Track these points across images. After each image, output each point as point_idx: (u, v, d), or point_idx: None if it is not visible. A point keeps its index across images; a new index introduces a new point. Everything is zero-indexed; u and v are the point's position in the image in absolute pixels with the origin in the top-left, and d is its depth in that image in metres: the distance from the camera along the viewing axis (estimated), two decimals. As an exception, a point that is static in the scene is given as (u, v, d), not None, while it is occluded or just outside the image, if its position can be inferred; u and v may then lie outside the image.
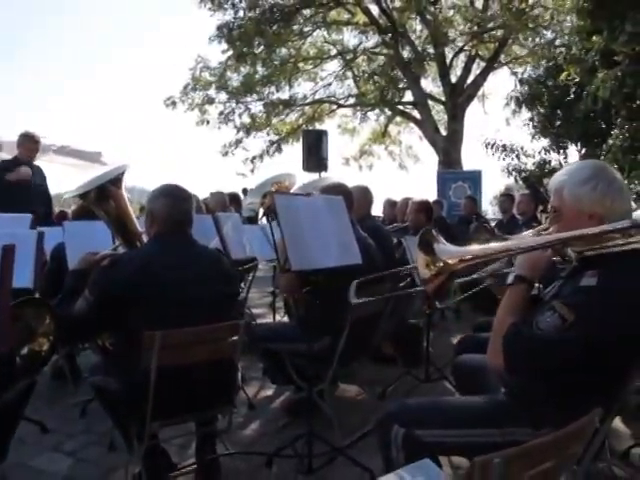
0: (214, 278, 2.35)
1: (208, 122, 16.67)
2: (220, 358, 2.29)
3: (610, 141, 7.20)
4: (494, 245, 1.71)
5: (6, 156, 6.10)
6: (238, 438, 3.11)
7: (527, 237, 1.95)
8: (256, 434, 3.24)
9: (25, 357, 2.41)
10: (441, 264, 1.60)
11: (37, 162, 6.12)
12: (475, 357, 2.40)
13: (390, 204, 6.68)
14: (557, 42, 11.99)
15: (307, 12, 15.27)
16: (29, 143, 5.66)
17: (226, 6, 14.65)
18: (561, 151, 10.40)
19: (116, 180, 2.52)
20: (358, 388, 4.02)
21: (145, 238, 2.57)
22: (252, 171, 16.77)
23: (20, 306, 2.24)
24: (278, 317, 5.45)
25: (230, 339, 2.28)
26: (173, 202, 2.33)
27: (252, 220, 9.89)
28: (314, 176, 9.31)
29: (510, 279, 1.79)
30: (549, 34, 13.63)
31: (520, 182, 10.86)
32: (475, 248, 1.70)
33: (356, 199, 3.48)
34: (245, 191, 12.53)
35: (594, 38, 6.44)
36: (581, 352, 1.55)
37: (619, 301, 1.53)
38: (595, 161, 1.82)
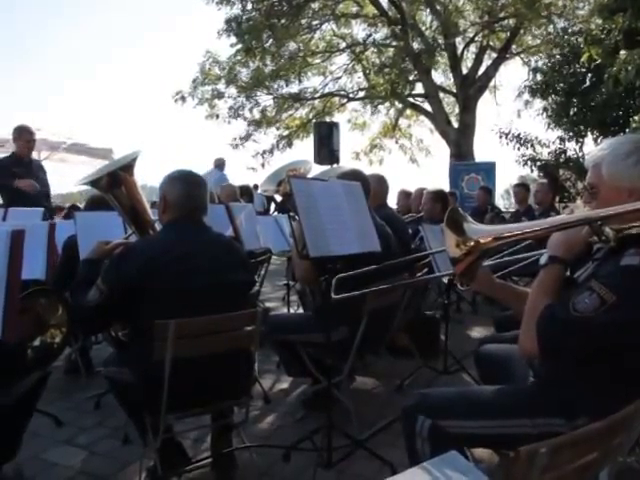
0: (230, 265, 2.28)
1: (218, 116, 16.64)
2: (236, 348, 2.22)
3: (633, 125, 7.02)
4: (528, 223, 1.62)
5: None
6: (254, 431, 3.05)
7: (561, 216, 1.86)
8: (272, 427, 3.18)
9: (37, 349, 2.36)
10: (472, 243, 1.52)
11: (48, 161, 6.11)
12: (499, 347, 2.32)
13: (405, 195, 6.59)
14: (570, 30, 11.78)
15: (315, 5, 15.14)
16: (25, 135, 5.61)
17: (234, 0, 14.57)
18: (578, 140, 10.23)
19: (128, 167, 2.46)
20: (374, 381, 3.96)
21: (158, 225, 2.50)
22: (262, 165, 16.73)
23: (32, 297, 2.19)
24: (292, 311, 5.39)
25: (247, 328, 2.21)
26: (187, 188, 2.26)
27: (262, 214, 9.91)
28: (326, 168, 9.25)
29: (543, 260, 1.70)
30: (562, 22, 13.43)
31: (536, 172, 10.70)
32: (508, 226, 1.62)
33: (372, 187, 3.40)
34: (256, 187, 12.53)
35: (618, 17, 6.26)
36: (622, 335, 1.46)
37: None
38: (637, 135, 1.73)
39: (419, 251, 4.02)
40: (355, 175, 3.13)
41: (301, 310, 4.85)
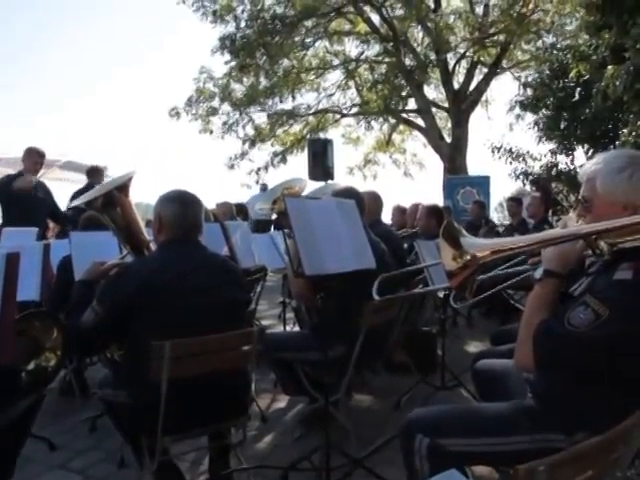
0: (226, 285, 2.27)
1: (212, 131, 16.74)
2: (233, 368, 2.21)
3: (622, 139, 7.11)
4: (524, 237, 1.63)
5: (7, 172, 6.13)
6: (252, 452, 3.02)
7: (557, 229, 1.87)
8: (270, 447, 3.15)
9: (32, 372, 2.33)
10: (468, 257, 1.53)
11: (42, 179, 6.14)
12: (496, 362, 2.31)
13: (399, 210, 6.61)
14: (559, 45, 11.96)
15: (308, 23, 15.33)
16: (35, 157, 5.69)
17: (227, 18, 14.75)
18: (568, 153, 10.33)
19: (123, 187, 2.46)
20: (372, 398, 3.93)
21: (153, 245, 2.50)
22: (257, 182, 16.78)
23: (27, 319, 2.17)
24: (288, 328, 5.36)
25: (243, 348, 2.20)
26: (182, 207, 2.27)
27: (261, 224, 9.83)
28: (320, 185, 9.28)
29: (538, 274, 1.71)
30: (550, 37, 13.64)
31: (528, 186, 10.78)
32: (503, 240, 1.62)
33: (367, 204, 3.41)
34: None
35: (604, 34, 6.39)
36: (617, 349, 1.46)
37: None
38: (630, 150, 1.75)
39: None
40: (349, 193, 3.14)
41: (297, 328, 4.83)
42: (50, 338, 2.26)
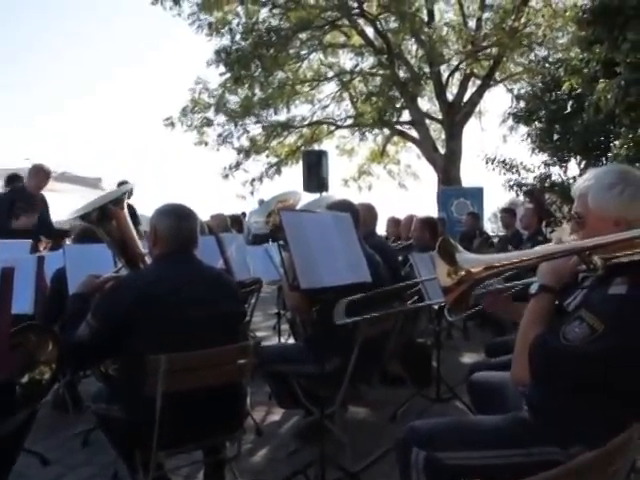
0: (221, 298, 2.27)
1: (207, 143, 16.79)
2: (228, 382, 2.20)
3: (614, 151, 7.21)
4: (518, 252, 1.65)
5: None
6: (247, 466, 3.00)
7: (551, 245, 1.88)
8: (265, 461, 3.13)
9: (26, 386, 2.31)
10: (463, 273, 1.54)
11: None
12: (492, 374, 2.32)
13: (394, 222, 6.64)
14: (551, 59, 12.12)
15: (303, 35, 15.45)
16: (42, 176, 5.71)
17: (223, 31, 14.84)
18: (561, 164, 10.41)
19: (118, 200, 2.46)
20: (367, 410, 3.92)
21: (148, 258, 2.50)
22: (252, 193, 16.82)
23: (22, 332, 2.16)
24: (283, 340, 5.35)
25: (239, 362, 2.20)
26: (177, 221, 2.27)
27: (259, 238, 9.79)
28: (315, 196, 9.29)
29: (533, 289, 1.72)
30: (543, 51, 13.81)
31: (522, 197, 10.86)
32: (499, 256, 1.64)
33: (361, 216, 3.43)
34: (244, 215, 12.52)
35: (595, 48, 6.51)
36: (612, 363, 1.47)
37: None
38: (621, 165, 1.77)
39: (409, 279, 4.04)
40: (344, 205, 3.16)
41: (292, 339, 4.83)
42: (45, 351, 2.25)
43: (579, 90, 7.73)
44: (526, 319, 1.69)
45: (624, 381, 1.51)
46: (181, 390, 2.05)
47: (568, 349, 1.50)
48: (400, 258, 4.82)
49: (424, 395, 3.86)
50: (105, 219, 2.43)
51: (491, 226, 16.27)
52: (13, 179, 6.71)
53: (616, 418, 1.50)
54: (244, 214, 12.39)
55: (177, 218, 2.28)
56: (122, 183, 7.41)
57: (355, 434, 3.31)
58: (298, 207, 3.54)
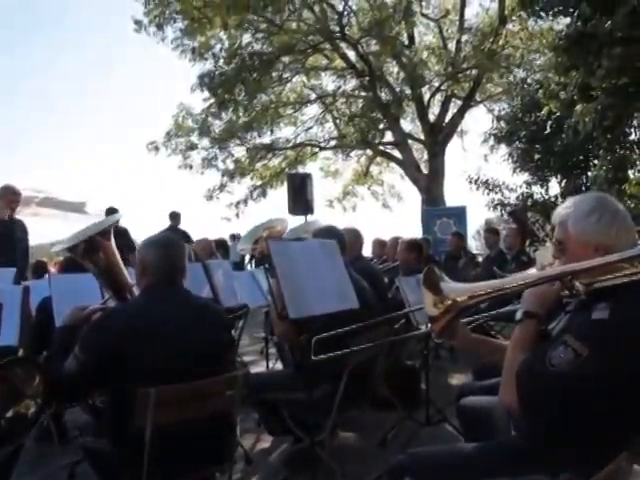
0: (210, 329, 2.27)
1: (191, 167, 16.81)
2: (218, 413, 2.19)
3: (594, 172, 7.39)
4: (501, 280, 1.68)
5: None
6: (237, 496, 2.97)
7: (533, 272, 1.93)
8: (255, 490, 3.10)
9: (10, 420, 2.28)
10: (449, 302, 1.57)
11: (20, 215, 6.03)
12: (480, 399, 2.33)
13: (379, 244, 6.69)
14: (529, 80, 12.42)
15: (286, 59, 15.63)
16: (10, 196, 5.55)
17: (206, 56, 14.97)
18: (543, 184, 10.60)
19: (105, 232, 2.46)
20: (357, 435, 3.90)
21: (136, 289, 2.49)
22: (237, 215, 16.83)
23: (8, 366, 2.13)
24: (271, 364, 5.32)
25: (228, 393, 2.19)
26: (165, 253, 2.27)
27: (239, 265, 9.84)
28: (300, 219, 9.32)
29: (518, 315, 1.75)
30: (521, 72, 14.13)
31: (505, 216, 11.02)
32: (483, 284, 1.67)
33: (347, 241, 3.46)
34: (234, 237, 12.54)
35: (571, 74, 6.71)
36: (597, 388, 1.50)
37: (633, 334, 1.49)
38: (598, 193, 1.82)
39: (395, 301, 4.06)
40: (330, 232, 3.19)
41: (279, 364, 4.80)
42: (31, 385, 2.22)
43: (558, 113, 7.95)
44: (512, 346, 1.72)
45: (610, 407, 1.54)
46: (170, 422, 2.04)
47: (554, 375, 1.52)
48: (386, 279, 4.85)
49: (413, 419, 3.86)
50: (92, 251, 2.43)
51: (475, 243, 16.39)
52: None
53: (604, 445, 1.53)
54: (233, 236, 12.44)
55: (165, 249, 2.28)
56: (111, 211, 7.39)
57: (345, 460, 3.28)
58: (285, 233, 3.57)
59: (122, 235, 7.43)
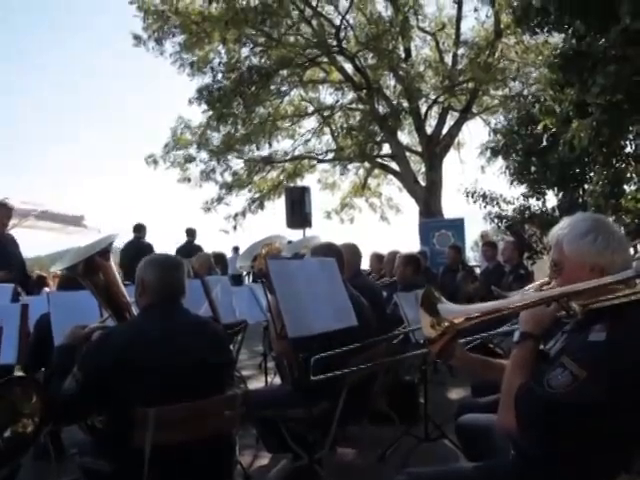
0: (208, 348, 2.27)
1: (189, 180, 16.87)
2: (217, 433, 2.19)
3: (590, 186, 7.44)
4: (498, 302, 1.70)
5: None
6: (235, 514, 2.95)
7: (530, 293, 1.94)
8: (254, 508, 3.08)
9: (8, 440, 2.27)
10: (447, 324, 1.59)
11: (17, 229, 6.02)
12: (479, 417, 2.33)
13: (377, 258, 6.69)
14: (525, 92, 12.53)
15: (284, 73, 15.74)
16: (1, 211, 5.55)
17: (205, 70, 15.08)
18: (539, 196, 10.65)
19: (104, 251, 2.47)
20: (356, 451, 3.89)
21: (134, 308, 2.50)
22: (235, 228, 16.86)
23: (7, 385, 2.13)
24: (269, 379, 5.31)
25: (227, 412, 2.19)
26: (164, 272, 2.28)
27: (238, 278, 9.83)
28: (298, 233, 9.34)
29: (516, 337, 1.76)
30: (517, 85, 14.26)
31: (502, 228, 11.05)
32: (479, 306, 1.69)
33: (346, 258, 3.47)
34: (236, 249, 12.57)
35: (567, 90, 6.79)
36: (595, 410, 1.51)
37: (630, 356, 1.51)
38: (593, 214, 1.84)
39: (394, 317, 4.07)
40: (329, 250, 3.20)
41: (278, 378, 4.79)
42: (29, 404, 2.22)
43: (554, 129, 8.02)
44: (510, 367, 1.72)
45: (609, 428, 1.55)
46: (169, 443, 2.04)
47: (552, 397, 1.53)
48: (385, 294, 4.85)
49: (412, 434, 3.85)
50: (91, 271, 2.44)
51: (473, 254, 16.42)
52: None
53: (603, 466, 1.53)
54: (236, 249, 12.47)
55: (164, 269, 2.29)
56: (138, 228, 7.55)
57: (344, 476, 3.28)
58: (284, 249, 3.59)
59: (149, 251, 7.50)
